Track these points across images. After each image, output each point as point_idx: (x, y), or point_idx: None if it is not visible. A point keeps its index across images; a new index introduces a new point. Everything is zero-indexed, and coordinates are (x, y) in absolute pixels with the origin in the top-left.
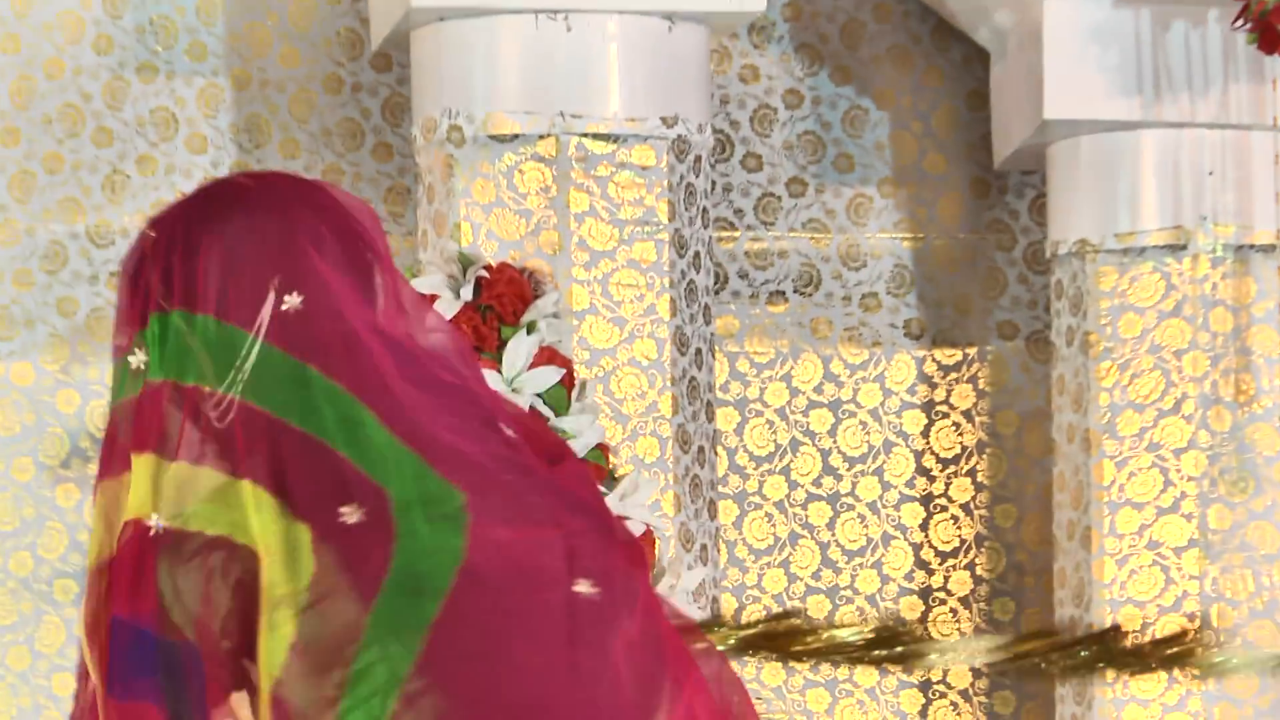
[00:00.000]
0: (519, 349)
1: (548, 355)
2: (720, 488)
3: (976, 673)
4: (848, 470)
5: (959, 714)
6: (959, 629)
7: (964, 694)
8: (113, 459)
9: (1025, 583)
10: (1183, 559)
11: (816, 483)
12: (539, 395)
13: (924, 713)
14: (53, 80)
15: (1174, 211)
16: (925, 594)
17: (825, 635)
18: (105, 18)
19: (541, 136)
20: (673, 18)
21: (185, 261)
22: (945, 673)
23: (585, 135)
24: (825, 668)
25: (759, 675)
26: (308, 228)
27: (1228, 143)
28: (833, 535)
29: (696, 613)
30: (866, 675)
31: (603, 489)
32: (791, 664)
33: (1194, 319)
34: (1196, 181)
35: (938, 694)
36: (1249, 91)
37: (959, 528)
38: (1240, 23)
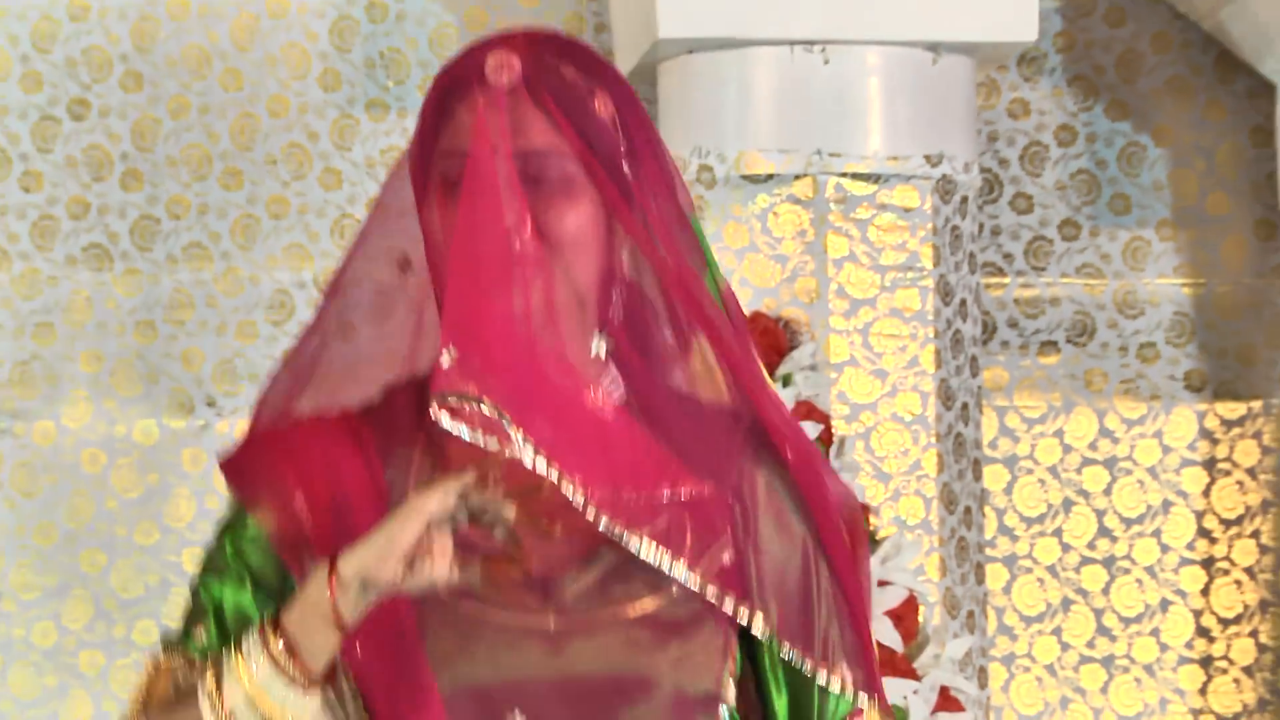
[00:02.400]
0: None
1: (805, 410)
2: (988, 550)
3: (1261, 648)
4: (1124, 532)
5: (1240, 691)
6: (1242, 700)
7: (1247, 670)
8: None
9: None
10: None
11: (1091, 545)
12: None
13: (1203, 690)
14: (277, 119)
15: None
16: (1206, 663)
17: None
18: (333, 51)
19: (797, 177)
20: (938, 49)
21: None
22: (1228, 647)
23: (844, 175)
24: (1102, 643)
25: (1030, 651)
26: None
27: None
28: (1108, 601)
29: (963, 682)
30: (1144, 651)
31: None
32: None
33: None
34: None
35: (1219, 670)
36: None
37: (1242, 592)
38: None
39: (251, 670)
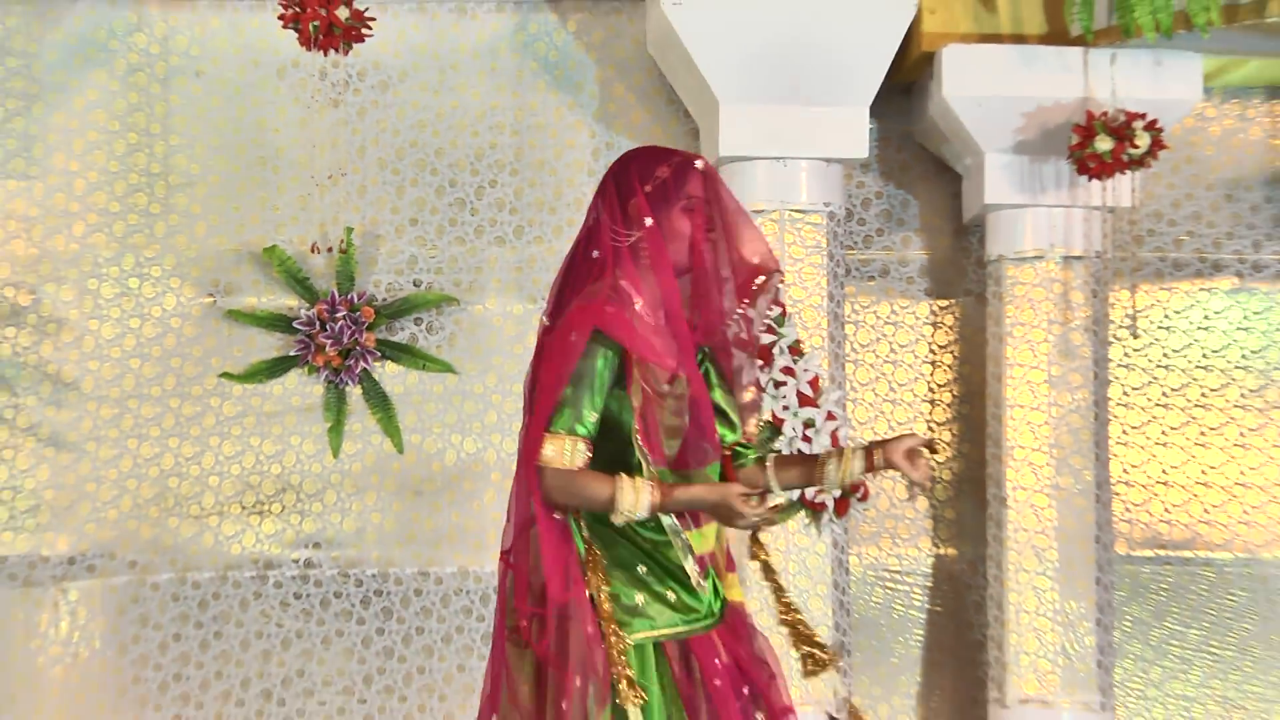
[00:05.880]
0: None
1: (783, 310)
2: (847, 356)
3: None
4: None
5: None
6: None
7: None
8: None
9: None
10: None
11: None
12: (774, 320)
13: None
14: None
15: None
16: None
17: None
18: None
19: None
20: (830, 160)
21: None
22: None
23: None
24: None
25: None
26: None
27: None
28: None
29: (838, 410)
30: None
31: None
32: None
33: None
34: None
35: None
36: None
37: None
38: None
39: (637, 493)
